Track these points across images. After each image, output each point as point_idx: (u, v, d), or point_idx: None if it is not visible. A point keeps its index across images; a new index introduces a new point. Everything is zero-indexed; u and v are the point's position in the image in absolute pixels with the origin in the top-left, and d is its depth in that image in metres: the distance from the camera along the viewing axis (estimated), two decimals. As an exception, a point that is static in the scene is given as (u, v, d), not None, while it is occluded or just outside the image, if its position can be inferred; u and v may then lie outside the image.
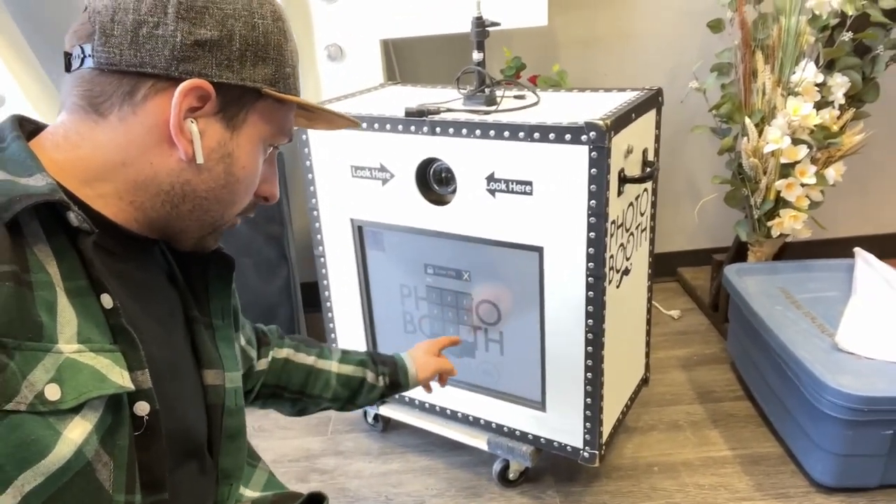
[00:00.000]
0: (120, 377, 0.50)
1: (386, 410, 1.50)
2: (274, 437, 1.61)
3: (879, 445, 1.25)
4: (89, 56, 0.54)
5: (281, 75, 0.59)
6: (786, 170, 1.62)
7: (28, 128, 0.58)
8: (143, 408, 0.52)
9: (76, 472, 0.47)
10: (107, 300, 0.51)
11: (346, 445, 1.55)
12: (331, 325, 1.48)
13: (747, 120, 1.63)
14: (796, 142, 1.59)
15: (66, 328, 0.48)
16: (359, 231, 1.34)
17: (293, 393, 0.89)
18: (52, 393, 0.46)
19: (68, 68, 0.55)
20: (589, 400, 1.21)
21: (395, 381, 0.98)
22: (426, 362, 1.02)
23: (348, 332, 1.45)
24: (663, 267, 2.15)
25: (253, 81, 0.57)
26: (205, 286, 0.68)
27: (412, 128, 1.18)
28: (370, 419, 1.58)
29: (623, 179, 1.12)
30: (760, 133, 1.62)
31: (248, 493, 0.77)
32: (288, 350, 0.90)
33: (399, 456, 1.50)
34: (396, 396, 1.45)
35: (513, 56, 1.76)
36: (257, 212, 1.85)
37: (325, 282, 1.44)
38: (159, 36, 0.53)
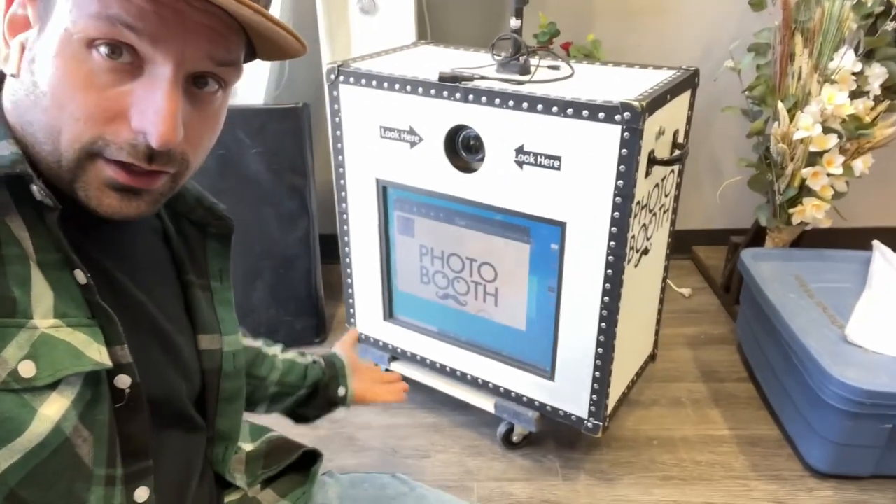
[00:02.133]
0: (97, 353, 0.48)
1: (396, 367, 1.53)
2: (286, 383, 1.65)
3: (877, 437, 1.28)
4: None
5: None
6: (813, 158, 1.61)
7: None
8: (123, 381, 0.51)
9: (54, 448, 0.46)
10: (80, 276, 0.49)
11: (356, 397, 1.60)
12: (349, 280, 1.50)
13: (780, 104, 1.61)
14: (827, 130, 1.57)
15: (41, 303, 0.46)
16: (383, 191, 1.36)
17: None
18: (27, 370, 0.45)
19: None
20: (598, 374, 1.24)
21: (330, 362, 0.94)
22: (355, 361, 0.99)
23: (365, 283, 1.48)
24: (678, 244, 2.14)
25: None
26: (203, 248, 0.65)
27: (444, 93, 1.18)
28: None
29: (652, 161, 1.13)
30: (792, 119, 1.61)
31: (244, 445, 0.77)
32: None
33: (407, 411, 1.55)
34: (408, 354, 1.48)
35: (548, 21, 1.73)
36: (281, 163, 1.84)
37: (346, 238, 1.46)
38: None
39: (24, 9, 0.49)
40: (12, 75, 0.49)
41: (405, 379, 1.05)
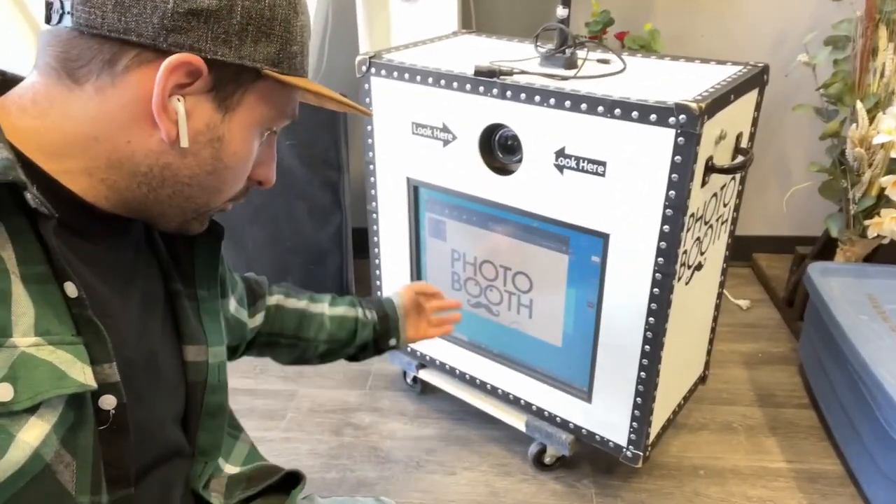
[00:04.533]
0: (81, 374, 0.46)
1: (425, 375, 1.46)
2: (313, 384, 1.60)
3: (958, 487, 1.13)
4: (68, 13, 0.46)
5: (286, 54, 0.52)
6: (894, 165, 1.45)
7: None
8: (109, 401, 0.48)
9: (34, 475, 0.44)
10: (71, 289, 0.46)
11: (383, 403, 1.53)
12: (378, 281, 1.43)
13: (859, 104, 1.45)
14: (913, 134, 1.40)
15: (21, 319, 0.43)
16: (414, 191, 1.27)
17: (289, 338, 0.87)
18: (4, 393, 0.42)
19: (48, 20, 0.48)
20: (640, 399, 1.13)
21: (383, 313, 0.95)
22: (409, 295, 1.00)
23: (395, 285, 1.39)
24: (737, 251, 1.99)
25: (253, 60, 0.50)
26: (190, 256, 0.63)
27: (480, 88, 1.08)
28: (409, 380, 1.54)
29: (710, 169, 1.00)
30: (872, 120, 1.45)
31: (229, 467, 0.73)
32: (278, 296, 0.88)
33: (434, 421, 1.47)
34: (437, 363, 1.40)
35: (601, 9, 1.61)
36: (315, 156, 1.78)
37: (375, 238, 1.38)
38: (148, 0, 0.45)
39: (192, 103, 0.50)
40: (177, 144, 0.50)
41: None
